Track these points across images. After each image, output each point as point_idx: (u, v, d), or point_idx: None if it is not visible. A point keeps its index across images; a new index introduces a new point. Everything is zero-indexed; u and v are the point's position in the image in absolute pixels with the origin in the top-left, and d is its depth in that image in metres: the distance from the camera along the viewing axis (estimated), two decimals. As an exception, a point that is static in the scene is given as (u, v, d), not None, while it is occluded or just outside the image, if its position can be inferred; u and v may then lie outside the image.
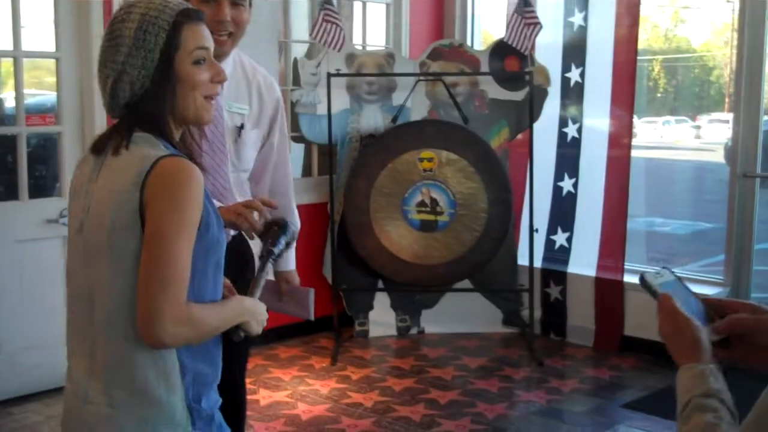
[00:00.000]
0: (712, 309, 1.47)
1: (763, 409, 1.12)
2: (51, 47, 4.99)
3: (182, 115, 1.95)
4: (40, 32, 5.03)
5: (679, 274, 1.50)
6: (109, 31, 1.93)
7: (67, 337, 2.05)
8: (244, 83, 2.96)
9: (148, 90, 1.89)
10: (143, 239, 1.82)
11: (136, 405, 1.87)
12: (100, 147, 1.95)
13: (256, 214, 2.36)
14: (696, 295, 1.48)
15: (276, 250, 2.19)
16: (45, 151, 5.19)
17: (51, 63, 5.08)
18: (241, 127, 2.94)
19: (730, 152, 5.69)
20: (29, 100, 5.01)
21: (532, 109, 5.90)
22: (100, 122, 5.03)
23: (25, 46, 4.87)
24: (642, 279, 1.47)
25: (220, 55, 2.76)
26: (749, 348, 1.41)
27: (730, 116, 5.95)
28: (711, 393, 1.30)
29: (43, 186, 5.15)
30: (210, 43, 1.97)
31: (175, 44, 1.89)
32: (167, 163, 1.84)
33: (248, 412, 4.63)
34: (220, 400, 2.02)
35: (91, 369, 1.93)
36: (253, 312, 2.00)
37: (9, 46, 4.80)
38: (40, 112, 5.11)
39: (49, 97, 5.20)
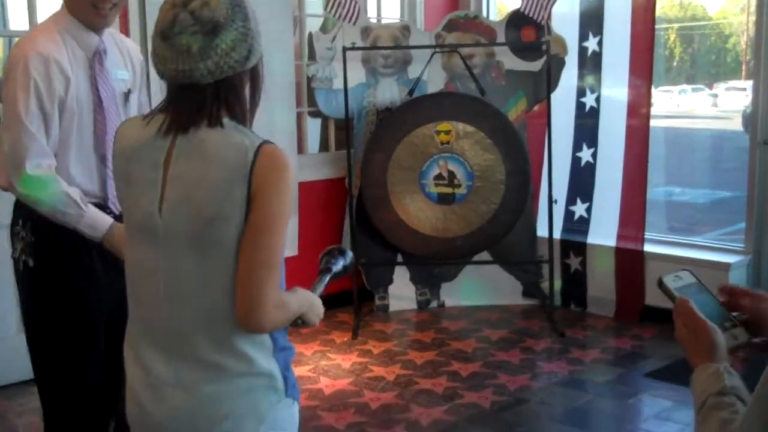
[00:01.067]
0: (730, 308, 1.45)
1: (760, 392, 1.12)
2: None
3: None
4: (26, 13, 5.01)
5: (698, 276, 1.48)
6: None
7: (134, 335, 2.04)
8: (118, 51, 2.99)
9: (243, 71, 1.89)
10: (246, 227, 1.83)
11: (242, 379, 1.94)
12: (168, 124, 1.89)
13: None
14: (716, 297, 1.47)
15: (334, 269, 2.28)
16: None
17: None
18: (128, 92, 2.98)
19: (749, 119, 5.65)
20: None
21: (549, 79, 5.86)
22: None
23: (13, 26, 4.84)
24: (660, 282, 1.46)
25: (103, 27, 2.85)
26: None
27: (747, 84, 5.91)
28: (726, 390, 1.29)
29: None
30: None
31: None
32: (269, 151, 1.84)
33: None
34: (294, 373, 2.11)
35: (180, 357, 1.95)
36: (313, 304, 2.07)
37: None
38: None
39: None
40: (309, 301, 2.06)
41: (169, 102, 1.91)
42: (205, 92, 1.85)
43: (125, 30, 5.02)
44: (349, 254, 2.36)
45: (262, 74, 1.96)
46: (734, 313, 1.42)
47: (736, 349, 1.38)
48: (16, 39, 4.92)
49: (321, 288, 2.20)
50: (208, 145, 1.85)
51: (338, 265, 2.30)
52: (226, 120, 1.88)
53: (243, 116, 1.92)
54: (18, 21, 4.82)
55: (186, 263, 1.89)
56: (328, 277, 2.25)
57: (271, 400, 1.98)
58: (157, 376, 1.96)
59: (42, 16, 4.82)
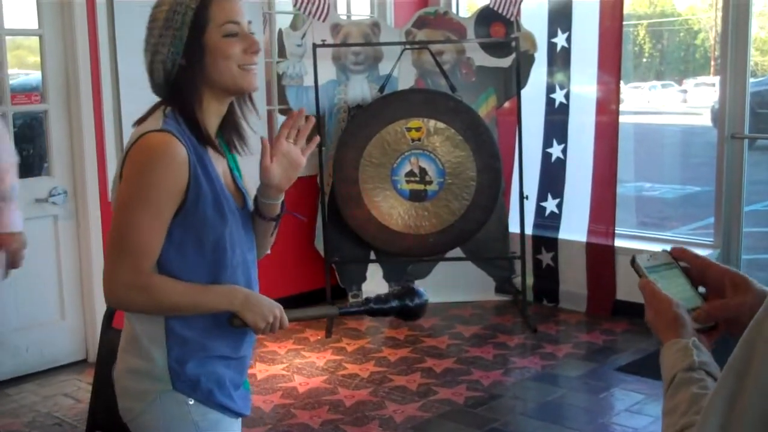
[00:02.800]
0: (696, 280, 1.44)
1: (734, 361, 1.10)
2: (33, 24, 4.94)
3: (222, 87, 2.04)
4: (22, 9, 4.97)
5: (676, 259, 1.44)
6: (149, 17, 2.04)
7: None
8: None
9: (181, 67, 1.99)
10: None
11: (129, 355, 2.07)
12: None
13: None
14: (692, 282, 1.45)
15: (374, 306, 2.21)
16: (32, 131, 5.14)
17: (32, 42, 5.04)
18: None
19: (718, 114, 5.69)
20: (12, 81, 4.96)
21: (519, 75, 5.88)
22: (86, 98, 5.00)
23: (7, 24, 4.82)
24: (632, 260, 1.44)
25: None
26: (734, 324, 1.37)
27: (715, 79, 5.95)
28: (695, 366, 1.27)
29: (31, 165, 5.11)
30: (241, 18, 2.02)
31: (203, 20, 1.98)
32: (148, 138, 1.94)
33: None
34: (226, 376, 2.09)
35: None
36: (249, 305, 2.02)
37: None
38: (25, 92, 5.07)
39: (32, 77, 5.15)
40: (240, 301, 2.02)
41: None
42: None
43: (93, 36, 4.99)
44: (423, 297, 2.24)
45: (201, 49, 2.00)
46: (696, 326, 1.39)
47: (701, 330, 1.37)
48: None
49: (346, 309, 2.19)
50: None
51: (386, 305, 2.20)
52: (163, 110, 2.02)
53: (183, 107, 2.03)
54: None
55: None
56: (361, 309, 2.22)
57: (148, 386, 2.04)
58: None
59: (8, 13, 4.78)
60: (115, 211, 1.95)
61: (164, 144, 1.93)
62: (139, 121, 2.02)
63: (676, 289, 1.39)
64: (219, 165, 2.09)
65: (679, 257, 1.44)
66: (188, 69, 2.00)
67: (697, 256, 1.43)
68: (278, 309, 2.06)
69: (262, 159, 2.08)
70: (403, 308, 2.21)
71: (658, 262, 1.43)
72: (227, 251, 2.03)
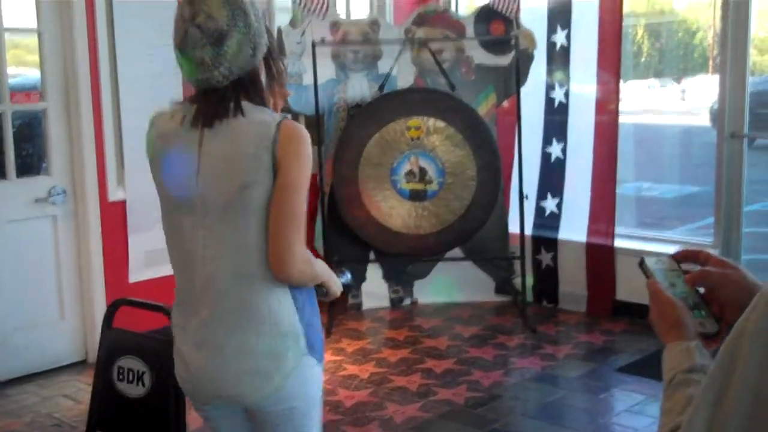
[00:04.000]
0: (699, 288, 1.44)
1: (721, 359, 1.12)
2: (32, 23, 4.92)
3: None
4: (21, 8, 4.95)
5: (680, 265, 1.46)
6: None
7: (180, 299, 2.29)
8: None
9: (253, 67, 2.18)
10: (273, 190, 2.12)
11: (262, 336, 2.17)
12: (195, 119, 2.17)
13: None
14: (697, 290, 1.44)
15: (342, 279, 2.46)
16: (30, 130, 5.13)
17: (30, 41, 5.02)
18: None
19: (717, 113, 5.67)
20: (10, 80, 4.94)
21: (518, 73, 5.87)
22: (86, 97, 4.98)
23: (6, 22, 4.80)
24: (641, 261, 1.46)
25: None
26: (714, 298, 1.41)
27: (714, 78, 5.94)
28: (696, 368, 1.29)
29: (30, 165, 5.09)
30: None
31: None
32: (289, 125, 2.14)
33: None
34: (322, 336, 2.34)
35: (215, 316, 2.19)
36: (333, 276, 2.35)
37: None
38: (24, 90, 5.05)
39: (30, 76, 5.13)
40: (329, 272, 2.33)
41: (195, 101, 2.20)
42: (225, 92, 2.15)
43: (92, 35, 4.97)
44: (346, 275, 2.52)
45: (275, 58, 2.26)
46: (700, 329, 1.40)
47: (703, 336, 1.38)
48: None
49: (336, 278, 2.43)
50: (235, 128, 2.14)
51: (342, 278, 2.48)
52: (247, 105, 2.16)
53: (262, 101, 2.20)
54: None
55: (219, 227, 2.16)
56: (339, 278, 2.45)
57: (294, 357, 2.20)
58: (194, 335, 2.22)
59: (6, 12, 4.77)
60: (287, 191, 2.11)
61: (304, 129, 2.18)
62: (218, 114, 2.14)
63: (680, 296, 1.41)
64: None
65: (683, 260, 1.46)
66: (257, 69, 2.21)
67: (695, 252, 1.46)
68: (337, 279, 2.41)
69: None
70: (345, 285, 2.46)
71: (665, 267, 1.46)
72: None
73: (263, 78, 2.21)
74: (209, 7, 2.09)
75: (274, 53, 2.24)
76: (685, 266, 1.46)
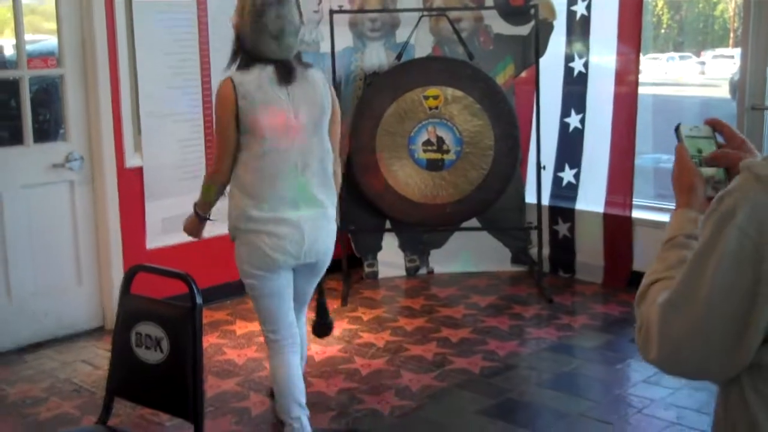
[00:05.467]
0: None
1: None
2: (49, -11, 4.90)
3: None
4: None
5: (715, 133, 1.58)
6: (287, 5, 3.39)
7: (279, 193, 3.37)
8: None
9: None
10: (331, 119, 3.48)
11: (333, 219, 3.53)
12: (284, 80, 3.34)
13: None
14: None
15: None
16: (48, 96, 5.12)
17: (47, 7, 5.00)
18: None
19: (738, 86, 5.61)
20: (27, 47, 4.93)
21: (537, 43, 5.82)
22: (103, 63, 4.97)
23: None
24: (677, 127, 1.58)
25: None
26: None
27: (734, 51, 5.87)
28: (695, 236, 1.39)
29: (47, 131, 5.10)
30: None
31: None
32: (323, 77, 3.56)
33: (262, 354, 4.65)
34: None
35: (307, 207, 3.41)
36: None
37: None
38: (42, 56, 5.04)
39: (47, 43, 5.12)
40: None
41: (276, 70, 3.33)
42: (294, 63, 3.40)
43: (111, 31, 4.96)
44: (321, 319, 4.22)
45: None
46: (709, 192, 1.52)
47: (715, 186, 1.49)
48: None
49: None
50: (309, 79, 3.42)
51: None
52: (305, 66, 3.47)
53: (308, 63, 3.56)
54: None
55: (311, 142, 3.39)
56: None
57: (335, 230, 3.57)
58: (296, 220, 3.38)
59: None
60: (338, 118, 3.55)
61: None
62: (295, 75, 3.36)
63: (704, 155, 1.55)
64: None
65: (717, 128, 1.59)
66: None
67: (733, 133, 1.58)
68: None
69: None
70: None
71: (698, 134, 1.58)
72: None
73: None
74: (290, 13, 3.38)
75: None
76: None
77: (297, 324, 3.60)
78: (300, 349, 3.62)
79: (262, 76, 3.29)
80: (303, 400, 3.52)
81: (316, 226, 3.42)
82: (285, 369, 3.50)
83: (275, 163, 3.32)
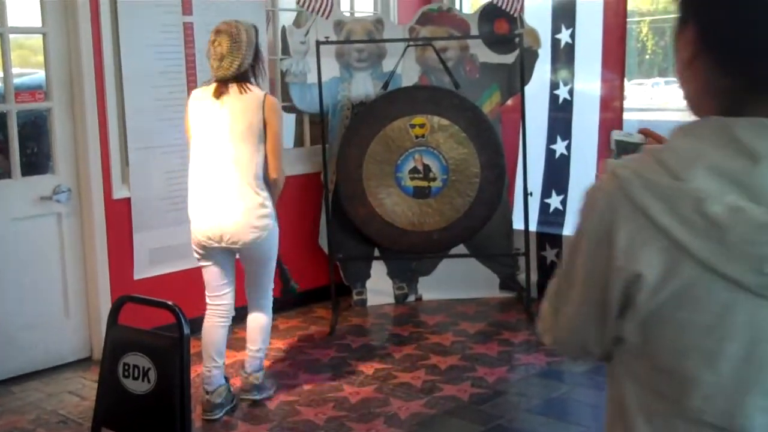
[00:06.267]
0: None
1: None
2: (37, 23, 4.93)
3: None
4: (25, 8, 4.97)
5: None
6: (233, 37, 4.13)
7: (201, 197, 4.21)
8: None
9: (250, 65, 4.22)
10: (265, 134, 4.13)
11: (263, 208, 4.19)
12: (218, 94, 4.14)
13: None
14: None
15: None
16: (36, 129, 5.14)
17: (35, 42, 5.03)
18: None
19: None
20: (15, 80, 4.95)
21: (523, 71, 5.87)
22: (90, 96, 4.99)
23: (11, 22, 4.82)
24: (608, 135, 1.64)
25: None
26: None
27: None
28: None
29: (35, 163, 5.11)
30: None
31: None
32: (269, 96, 4.22)
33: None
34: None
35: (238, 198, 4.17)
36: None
37: (-6, 22, 4.75)
38: (29, 90, 5.06)
39: (35, 76, 5.15)
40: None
41: (217, 85, 4.16)
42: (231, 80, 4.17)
43: (97, 35, 4.99)
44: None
45: (261, 57, 4.33)
46: None
47: None
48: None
49: None
50: (244, 97, 4.12)
51: None
52: (249, 85, 4.17)
53: (257, 81, 4.26)
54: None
55: (243, 147, 4.11)
56: None
57: (272, 222, 4.24)
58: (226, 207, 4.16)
59: (12, 12, 4.78)
60: (275, 135, 4.18)
61: (276, 101, 4.44)
62: (239, 92, 4.14)
63: None
64: None
65: (650, 138, 1.63)
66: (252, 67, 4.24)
67: (661, 138, 1.62)
68: None
69: None
70: None
71: (629, 140, 1.61)
72: None
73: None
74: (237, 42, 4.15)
75: (259, 55, 4.29)
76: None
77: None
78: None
79: (203, 91, 4.29)
80: (218, 357, 4.37)
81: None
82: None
83: (205, 164, 4.25)
